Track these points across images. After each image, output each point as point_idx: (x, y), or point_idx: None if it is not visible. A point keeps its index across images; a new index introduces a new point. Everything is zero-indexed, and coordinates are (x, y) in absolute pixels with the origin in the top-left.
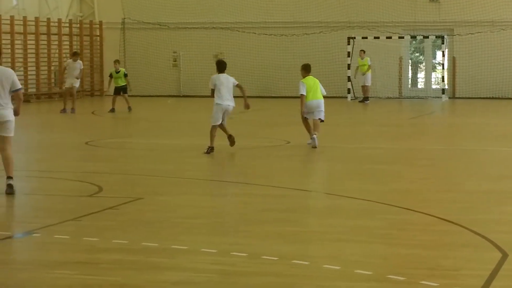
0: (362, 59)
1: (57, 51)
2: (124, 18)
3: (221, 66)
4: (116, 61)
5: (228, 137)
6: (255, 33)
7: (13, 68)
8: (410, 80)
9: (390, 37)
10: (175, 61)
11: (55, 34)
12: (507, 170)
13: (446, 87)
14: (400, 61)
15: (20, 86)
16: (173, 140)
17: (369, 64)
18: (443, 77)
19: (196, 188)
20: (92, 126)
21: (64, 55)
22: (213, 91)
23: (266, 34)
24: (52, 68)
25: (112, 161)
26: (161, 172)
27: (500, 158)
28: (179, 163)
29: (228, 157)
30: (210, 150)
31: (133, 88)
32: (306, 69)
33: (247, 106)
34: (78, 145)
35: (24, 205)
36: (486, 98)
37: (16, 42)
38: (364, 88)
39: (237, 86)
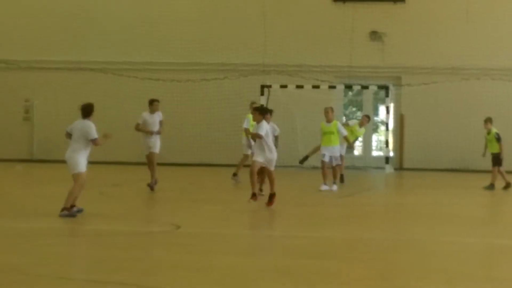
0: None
1: None
2: None
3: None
4: None
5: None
6: (136, 77)
7: None
8: None
9: (317, 86)
10: (27, 112)
11: None
12: (466, 267)
13: (391, 154)
14: None
15: None
16: (22, 222)
17: (343, 134)
18: (387, 141)
19: None
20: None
21: None
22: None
23: (151, 79)
24: None
25: None
26: (5, 266)
27: (458, 251)
28: (30, 255)
29: (98, 245)
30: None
31: None
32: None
33: None
34: None
35: None
36: (443, 170)
37: None
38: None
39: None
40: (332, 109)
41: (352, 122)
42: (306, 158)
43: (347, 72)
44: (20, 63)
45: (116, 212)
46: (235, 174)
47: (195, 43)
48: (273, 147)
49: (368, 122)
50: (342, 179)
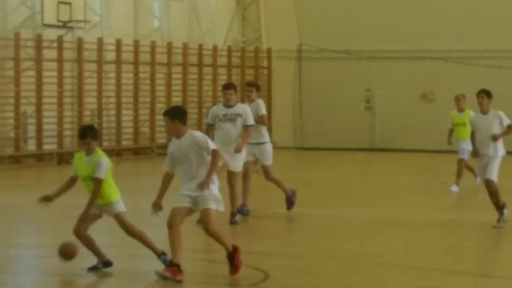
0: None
1: (211, 87)
2: (301, 44)
3: None
4: None
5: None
6: (478, 64)
7: (152, 110)
8: None
9: None
10: (368, 102)
11: (209, 66)
12: None
13: None
14: None
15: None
16: (361, 211)
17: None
18: None
19: (395, 278)
20: (256, 190)
21: (219, 93)
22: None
23: (493, 67)
24: (204, 110)
25: (281, 238)
26: (345, 255)
27: None
28: (369, 243)
29: (439, 234)
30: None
31: (311, 138)
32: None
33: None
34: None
35: None
36: None
37: (158, 75)
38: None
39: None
40: (464, 96)
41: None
42: None
43: None
44: (361, 53)
45: (454, 201)
46: None
47: None
48: None
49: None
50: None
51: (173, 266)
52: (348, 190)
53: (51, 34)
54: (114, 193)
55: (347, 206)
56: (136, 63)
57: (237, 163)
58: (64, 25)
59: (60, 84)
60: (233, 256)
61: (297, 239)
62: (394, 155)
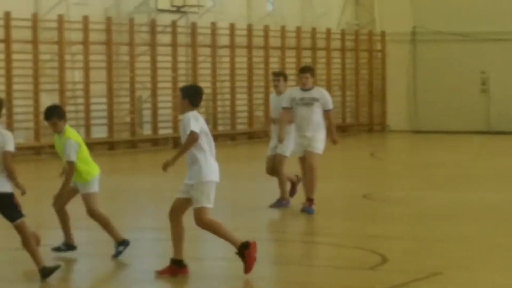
0: None
1: (325, 71)
2: (415, 27)
3: None
4: None
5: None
6: None
7: (267, 93)
8: None
9: None
10: (484, 84)
11: (323, 49)
12: None
13: None
14: None
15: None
16: (478, 193)
17: None
18: None
19: None
20: (372, 173)
21: (333, 76)
22: None
23: None
24: None
25: (399, 221)
26: (466, 238)
27: None
28: (491, 227)
29: None
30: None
31: (426, 121)
32: None
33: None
34: (353, 199)
35: (282, 279)
36: None
37: (272, 59)
38: None
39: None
40: None
41: None
42: None
43: None
44: (477, 35)
45: None
46: None
47: None
48: None
49: None
50: None
51: (172, 265)
52: (464, 173)
53: (165, 19)
54: (91, 169)
55: (463, 189)
56: (249, 47)
57: (318, 144)
58: (178, 10)
59: (174, 69)
60: (242, 252)
61: (414, 222)
62: (511, 138)
